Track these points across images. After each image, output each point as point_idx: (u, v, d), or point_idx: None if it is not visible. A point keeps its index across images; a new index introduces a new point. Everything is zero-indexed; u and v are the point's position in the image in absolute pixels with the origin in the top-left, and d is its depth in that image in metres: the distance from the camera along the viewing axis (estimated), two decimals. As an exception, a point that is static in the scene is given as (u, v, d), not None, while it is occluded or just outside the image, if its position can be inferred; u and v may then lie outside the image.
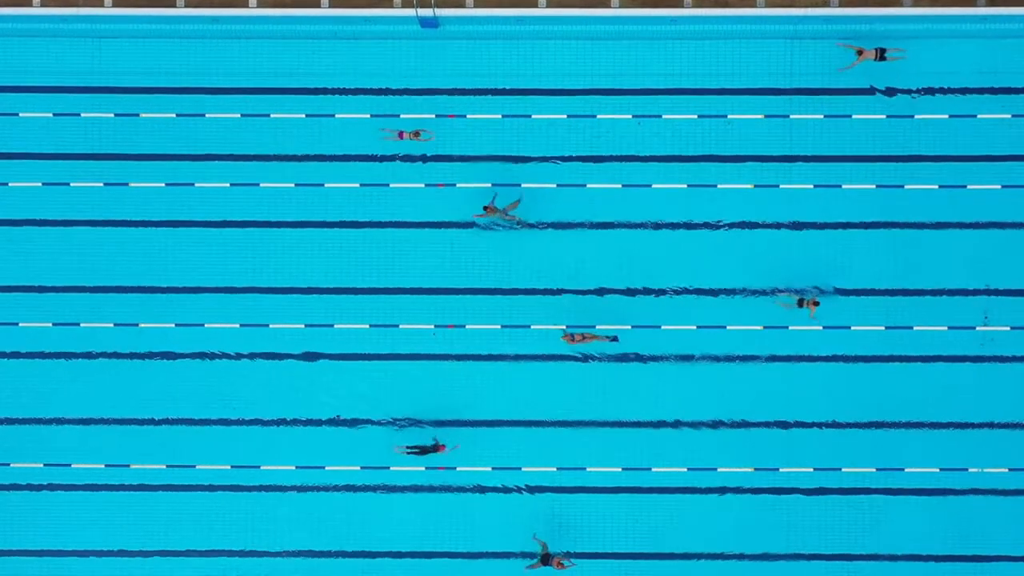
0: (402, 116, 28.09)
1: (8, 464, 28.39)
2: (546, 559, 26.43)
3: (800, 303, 26.79)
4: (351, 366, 28.10)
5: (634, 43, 27.87)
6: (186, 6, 28.11)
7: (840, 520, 27.65)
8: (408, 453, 27.39)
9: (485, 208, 27.11)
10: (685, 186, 27.94)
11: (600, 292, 27.92)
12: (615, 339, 27.45)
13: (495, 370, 27.93)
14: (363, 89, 28.16)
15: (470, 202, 27.79)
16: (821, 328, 27.61)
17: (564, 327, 27.64)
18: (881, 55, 26.75)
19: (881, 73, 27.55)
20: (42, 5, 28.29)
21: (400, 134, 27.41)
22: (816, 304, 26.60)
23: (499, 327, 27.92)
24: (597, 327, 27.70)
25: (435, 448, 27.13)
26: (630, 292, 27.89)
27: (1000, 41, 27.46)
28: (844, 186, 27.77)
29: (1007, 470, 27.53)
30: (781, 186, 27.84)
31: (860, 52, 26.75)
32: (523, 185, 27.99)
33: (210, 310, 28.23)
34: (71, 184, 28.35)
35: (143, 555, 28.27)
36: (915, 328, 27.54)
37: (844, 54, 27.28)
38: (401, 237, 28.13)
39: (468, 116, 28.01)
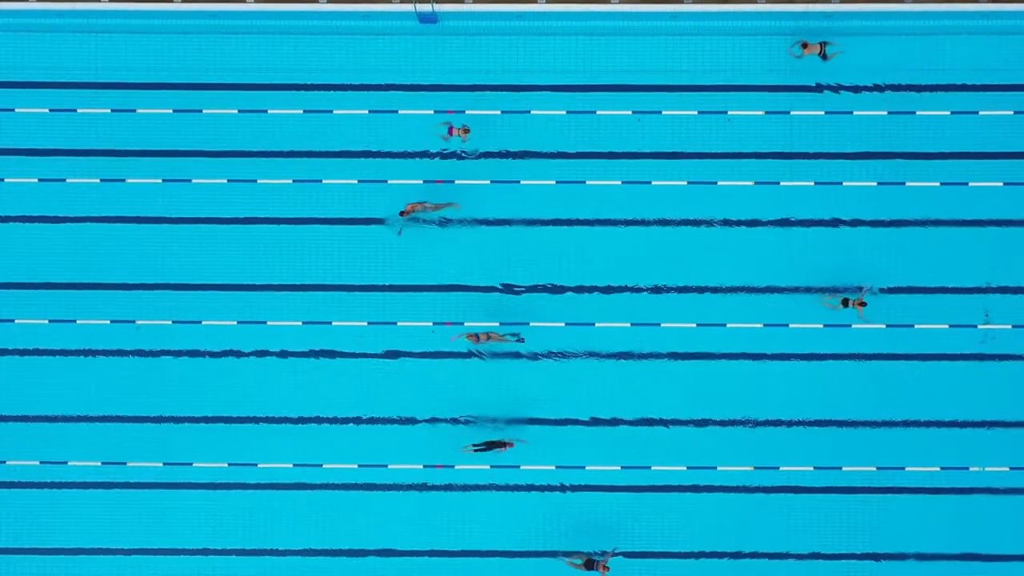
0: (402, 111, 28.05)
1: (4, 462, 28.32)
2: (590, 565, 26.32)
3: (845, 303, 26.65)
4: (349, 364, 28.02)
5: (634, 39, 27.80)
6: (183, 1, 28.02)
7: (840, 519, 27.60)
8: (475, 451, 27.19)
9: (409, 206, 27.07)
10: (685, 183, 27.87)
11: (599, 290, 27.84)
12: (520, 338, 27.32)
13: (492, 369, 27.85)
14: (361, 85, 28.09)
15: (469, 198, 27.73)
16: (822, 326, 27.55)
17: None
18: (824, 50, 26.69)
19: (879, 71, 27.50)
20: (38, 0, 28.18)
21: (450, 130, 27.25)
22: (863, 304, 26.46)
23: (497, 324, 27.84)
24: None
25: (500, 445, 26.95)
26: (629, 289, 27.81)
27: (1001, 38, 27.39)
28: (844, 183, 27.70)
29: (1008, 469, 27.48)
30: (781, 183, 27.77)
31: (805, 45, 26.68)
32: (522, 182, 27.94)
33: (207, 307, 28.16)
34: (67, 180, 28.26)
35: (140, 553, 28.20)
36: (916, 326, 27.47)
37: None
38: (397, 235, 28.03)
39: (467, 112, 27.93)
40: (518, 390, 27.84)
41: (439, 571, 27.96)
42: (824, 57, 26.81)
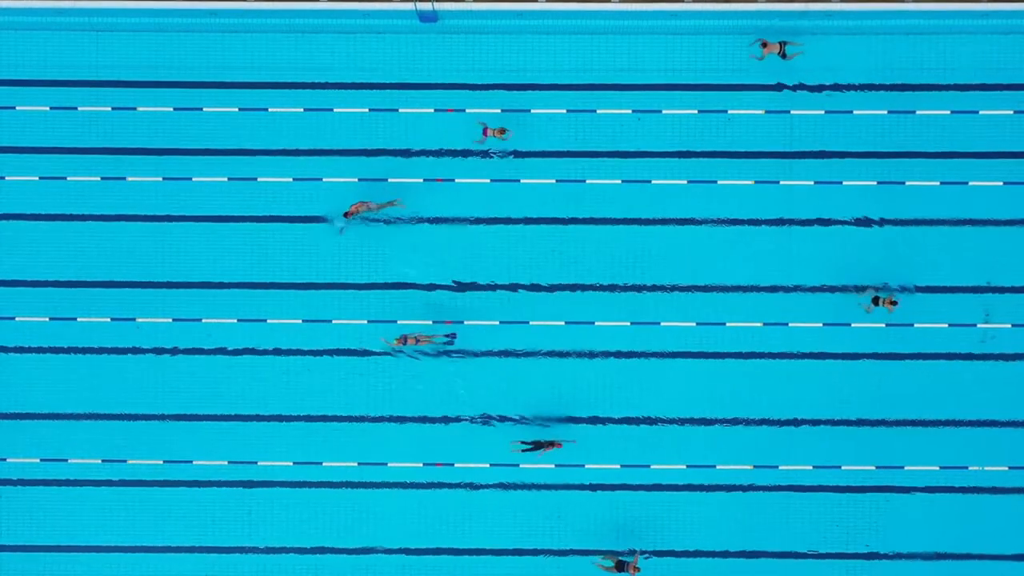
0: (402, 110, 28.06)
1: (4, 459, 28.37)
2: (620, 566, 26.35)
3: (876, 301, 26.63)
4: (349, 362, 28.05)
5: (634, 38, 27.80)
6: (184, -1, 28.15)
7: (839, 518, 27.61)
8: (523, 450, 27.18)
9: (352, 207, 27.09)
10: (685, 182, 27.87)
11: (599, 289, 27.86)
12: (452, 337, 27.40)
13: (491, 368, 27.88)
14: (361, 84, 28.11)
15: (469, 197, 27.77)
16: (821, 325, 27.55)
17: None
18: (783, 50, 26.68)
19: (879, 71, 27.49)
20: (39, -2, 28.34)
21: (485, 131, 27.22)
22: (894, 303, 26.44)
23: (497, 323, 27.87)
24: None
25: (550, 445, 26.94)
26: (629, 288, 27.83)
27: (1001, 37, 27.39)
28: (844, 183, 27.69)
29: (1007, 468, 27.48)
30: (781, 182, 27.77)
31: (765, 44, 26.68)
32: (522, 180, 27.96)
33: (207, 305, 28.19)
34: (68, 178, 28.30)
35: (140, 551, 28.25)
36: (915, 325, 27.47)
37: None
38: (399, 233, 28.06)
39: (467, 111, 27.94)
40: (516, 389, 27.85)
41: (439, 569, 27.98)
42: (784, 56, 26.75)
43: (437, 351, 27.78)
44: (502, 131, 27.09)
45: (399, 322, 28.01)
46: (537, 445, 26.96)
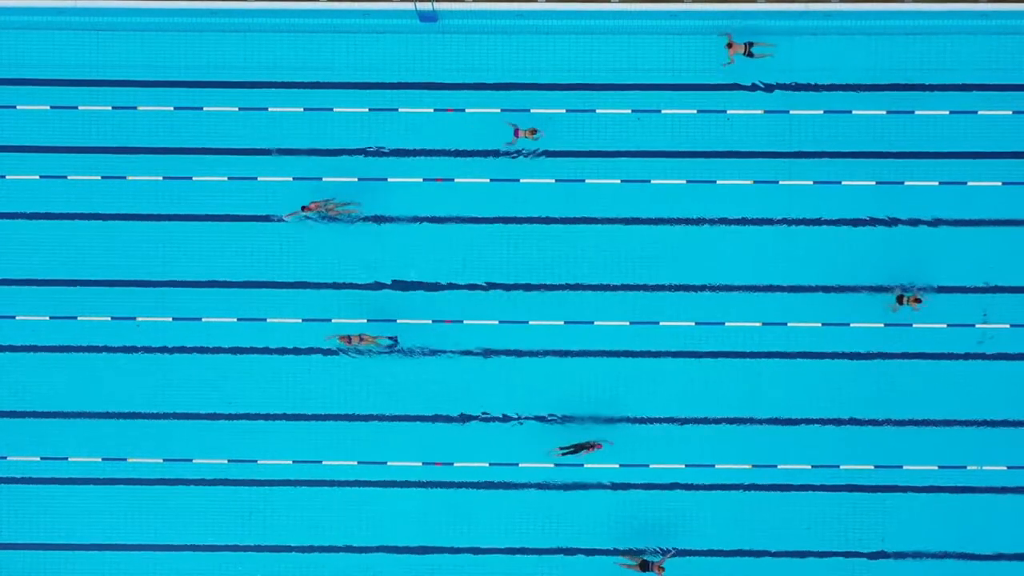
0: (402, 109, 28.08)
1: (5, 457, 28.39)
2: (645, 566, 26.37)
3: (900, 300, 26.65)
4: (348, 361, 28.07)
5: (633, 38, 27.82)
6: (184, -1, 28.17)
7: (838, 518, 27.62)
8: (563, 454, 27.20)
9: (303, 208, 27.19)
10: (684, 182, 27.89)
11: (599, 288, 27.88)
12: (394, 340, 27.50)
13: (490, 367, 27.90)
14: (361, 83, 28.13)
15: (470, 197, 27.80)
16: (820, 325, 27.58)
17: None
18: (748, 50, 26.69)
19: (878, 70, 27.52)
20: (40, -3, 28.35)
21: (516, 132, 27.22)
22: (918, 301, 26.47)
23: (497, 323, 27.89)
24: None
25: (589, 447, 26.97)
26: (628, 288, 27.85)
27: (1001, 37, 27.40)
28: (844, 183, 27.71)
29: (1006, 468, 27.50)
30: (781, 182, 27.78)
31: (731, 45, 26.70)
32: (521, 180, 27.98)
33: (207, 304, 28.21)
34: (68, 177, 28.32)
35: (139, 549, 28.27)
36: (914, 325, 27.48)
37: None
38: (400, 232, 28.09)
39: (467, 111, 27.97)
40: (516, 389, 27.87)
41: (439, 569, 28.00)
42: (750, 56, 26.76)
43: (424, 351, 27.86)
44: (533, 132, 27.09)
45: (398, 321, 28.03)
46: (578, 448, 26.99)
